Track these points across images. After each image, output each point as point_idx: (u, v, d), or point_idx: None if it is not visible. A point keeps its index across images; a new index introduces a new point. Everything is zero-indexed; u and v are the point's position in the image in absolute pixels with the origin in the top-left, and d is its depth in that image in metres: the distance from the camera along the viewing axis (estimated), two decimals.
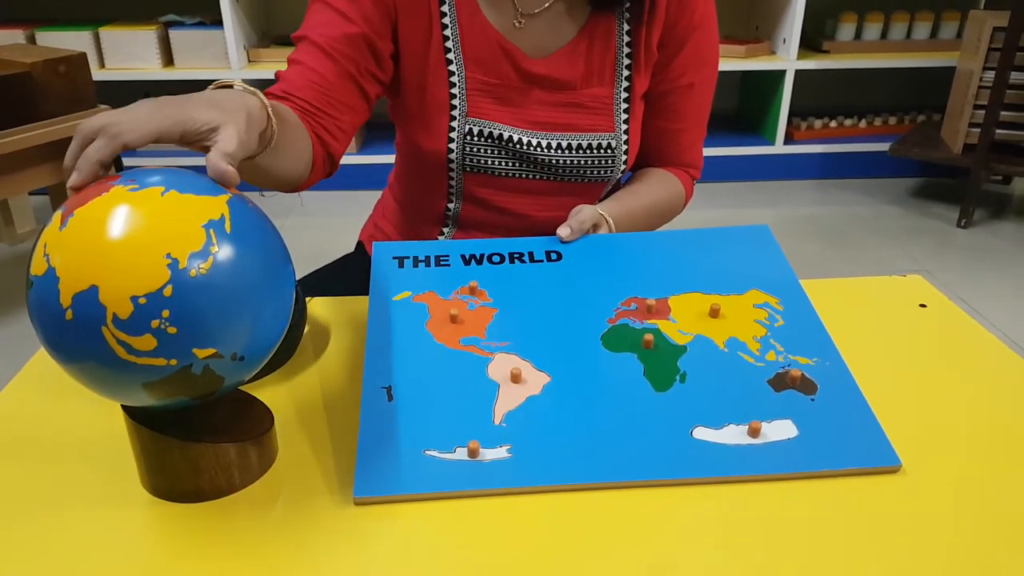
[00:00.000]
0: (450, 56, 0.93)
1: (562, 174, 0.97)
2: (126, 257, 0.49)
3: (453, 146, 0.94)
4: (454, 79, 0.93)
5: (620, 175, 1.02)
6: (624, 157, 0.99)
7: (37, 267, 0.51)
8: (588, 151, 0.96)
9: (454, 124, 0.94)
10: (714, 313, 0.74)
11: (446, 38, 0.92)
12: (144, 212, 0.51)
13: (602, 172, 0.98)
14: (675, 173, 1.06)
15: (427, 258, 0.80)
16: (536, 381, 0.67)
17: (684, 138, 1.05)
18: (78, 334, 0.50)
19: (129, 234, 0.50)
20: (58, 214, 0.52)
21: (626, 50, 0.96)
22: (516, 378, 0.66)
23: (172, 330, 0.50)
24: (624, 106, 0.97)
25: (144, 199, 0.51)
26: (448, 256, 0.80)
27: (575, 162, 0.97)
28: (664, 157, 1.06)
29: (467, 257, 0.80)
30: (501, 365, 0.68)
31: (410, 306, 0.74)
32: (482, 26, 0.93)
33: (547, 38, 0.95)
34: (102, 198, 0.51)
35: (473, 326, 0.72)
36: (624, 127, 0.98)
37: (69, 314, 0.50)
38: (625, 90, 0.97)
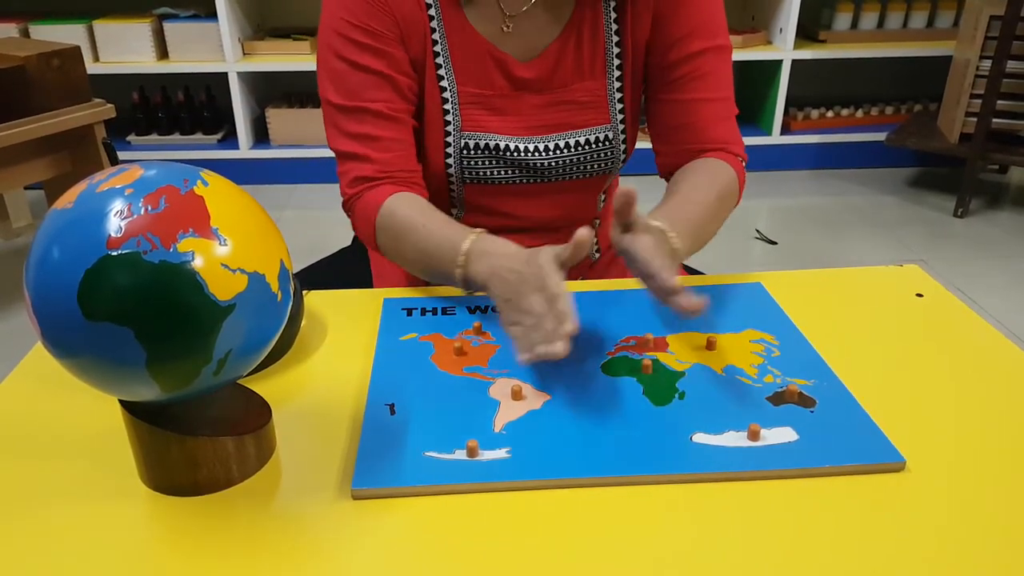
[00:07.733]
0: (441, 72, 0.93)
1: (562, 173, 0.97)
2: None
3: (451, 161, 0.95)
4: (446, 95, 0.93)
5: (620, 167, 1.01)
6: (623, 147, 0.98)
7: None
8: (586, 146, 0.96)
9: (450, 139, 0.94)
10: (711, 346, 0.76)
11: (436, 54, 0.92)
12: None
13: (602, 166, 0.98)
14: (715, 157, 0.96)
15: (434, 308, 0.84)
16: (536, 398, 0.69)
17: (707, 109, 0.96)
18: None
19: None
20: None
21: (615, 39, 0.95)
22: (516, 395, 0.68)
23: None
24: (618, 95, 0.97)
25: None
26: (454, 307, 0.84)
27: (574, 159, 0.96)
28: (692, 135, 0.96)
29: (472, 308, 0.84)
30: (502, 386, 0.70)
31: (416, 343, 0.77)
32: (471, 37, 0.93)
33: (535, 37, 0.94)
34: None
35: (476, 358, 0.75)
36: (620, 117, 0.97)
37: None
38: (618, 79, 0.96)
